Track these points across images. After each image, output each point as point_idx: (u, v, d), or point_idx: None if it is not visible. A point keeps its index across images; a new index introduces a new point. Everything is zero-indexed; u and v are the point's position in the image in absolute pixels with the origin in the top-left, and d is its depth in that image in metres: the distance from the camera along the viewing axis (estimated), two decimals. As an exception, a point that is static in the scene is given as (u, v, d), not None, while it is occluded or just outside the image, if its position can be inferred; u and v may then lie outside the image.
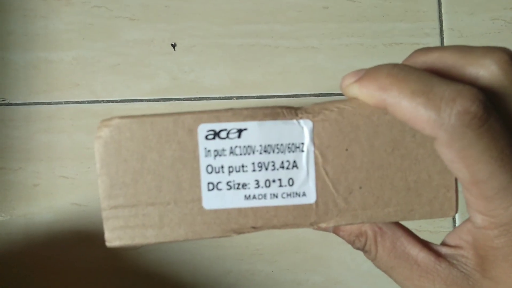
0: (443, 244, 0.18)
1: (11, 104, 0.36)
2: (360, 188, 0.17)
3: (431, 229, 0.36)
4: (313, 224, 0.17)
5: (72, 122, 0.36)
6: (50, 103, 0.36)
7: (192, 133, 0.17)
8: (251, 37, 0.37)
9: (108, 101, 0.36)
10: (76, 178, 0.35)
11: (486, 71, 0.16)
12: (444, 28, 0.37)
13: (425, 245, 0.18)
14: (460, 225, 0.18)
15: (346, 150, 0.17)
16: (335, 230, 0.19)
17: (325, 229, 0.19)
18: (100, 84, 0.36)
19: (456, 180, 0.17)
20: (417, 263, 0.18)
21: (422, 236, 0.39)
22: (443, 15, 0.38)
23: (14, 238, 0.35)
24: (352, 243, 0.19)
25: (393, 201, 0.17)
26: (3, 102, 0.36)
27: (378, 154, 0.17)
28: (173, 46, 0.36)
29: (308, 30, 0.37)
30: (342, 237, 0.19)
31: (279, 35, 0.37)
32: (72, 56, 0.36)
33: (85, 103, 0.36)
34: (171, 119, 0.17)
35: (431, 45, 0.37)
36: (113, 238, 0.17)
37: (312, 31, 0.37)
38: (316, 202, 0.17)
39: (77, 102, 0.36)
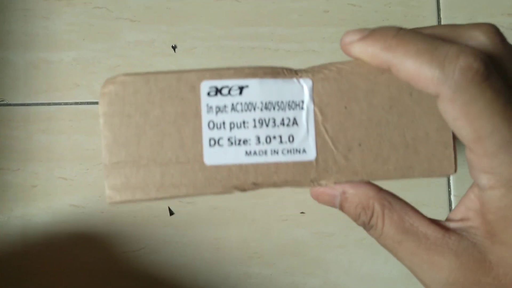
0: (448, 220, 0.18)
1: (10, 105, 0.35)
2: (359, 145, 0.18)
3: (429, 232, 0.36)
4: (313, 181, 0.18)
5: (71, 123, 0.36)
6: (49, 104, 0.36)
7: (194, 89, 0.17)
8: (252, 40, 0.37)
9: (108, 102, 0.36)
10: (74, 179, 0.35)
11: (475, 41, 0.17)
12: (443, 33, 0.38)
13: (433, 221, 0.18)
14: (463, 197, 0.18)
15: (345, 108, 0.18)
16: (342, 203, 0.18)
17: (330, 203, 0.18)
18: (100, 85, 0.36)
19: (454, 137, 0.18)
20: (426, 236, 0.17)
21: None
22: (442, 20, 0.38)
23: (11, 239, 0.35)
24: (357, 217, 0.18)
25: (392, 158, 0.18)
26: (2, 102, 0.35)
27: (376, 112, 0.18)
28: (174, 48, 0.36)
29: (308, 33, 0.37)
30: (348, 210, 0.19)
31: (279, 38, 0.37)
32: (73, 57, 0.36)
33: (84, 104, 0.36)
34: (174, 76, 0.17)
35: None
36: (114, 194, 0.17)
37: (313, 35, 0.37)
38: (316, 158, 0.18)
39: (76, 103, 0.36)
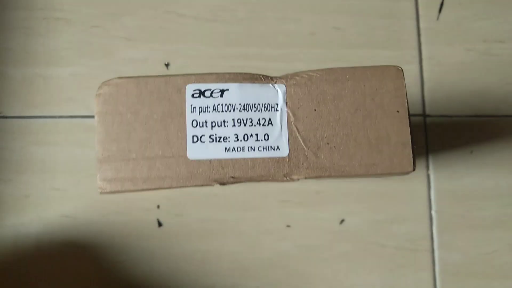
0: None
1: (6, 117, 0.37)
2: (328, 144, 0.20)
3: (410, 246, 0.37)
4: (286, 176, 0.20)
5: (65, 136, 0.37)
6: (45, 117, 0.37)
7: (180, 92, 0.20)
8: (242, 60, 0.39)
9: (102, 117, 0.37)
10: (67, 190, 0.36)
11: None
12: (423, 56, 0.40)
13: None
14: None
15: (315, 110, 0.20)
16: None
17: None
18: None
19: (412, 138, 0.20)
20: None
21: (401, 253, 0.40)
22: (422, 45, 0.40)
23: (2, 249, 0.35)
24: None
25: (357, 156, 0.20)
26: (-2, 114, 0.37)
27: (343, 114, 0.20)
28: (167, 65, 0.38)
29: (296, 54, 0.39)
30: None
31: (268, 58, 0.39)
32: (69, 73, 0.38)
33: (79, 117, 0.37)
34: (162, 80, 0.20)
35: (412, 71, 0.40)
36: (105, 185, 0.19)
37: (300, 56, 0.39)
38: (289, 155, 0.20)
39: (71, 117, 0.37)
